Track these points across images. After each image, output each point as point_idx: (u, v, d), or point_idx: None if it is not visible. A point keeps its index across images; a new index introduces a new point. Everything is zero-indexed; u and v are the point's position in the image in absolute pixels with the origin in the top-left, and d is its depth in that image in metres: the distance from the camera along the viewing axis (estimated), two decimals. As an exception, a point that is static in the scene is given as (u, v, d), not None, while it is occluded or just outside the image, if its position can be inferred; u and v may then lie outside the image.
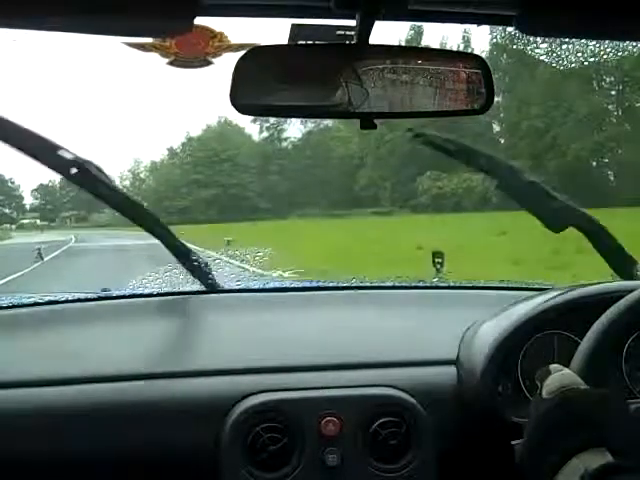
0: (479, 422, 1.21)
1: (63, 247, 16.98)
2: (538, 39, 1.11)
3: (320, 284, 1.76)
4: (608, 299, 1.12)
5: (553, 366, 0.95)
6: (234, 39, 1.32)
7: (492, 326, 1.27)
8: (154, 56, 1.31)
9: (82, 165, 1.33)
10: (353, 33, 0.87)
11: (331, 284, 1.73)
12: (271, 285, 1.73)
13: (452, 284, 1.76)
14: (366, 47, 0.87)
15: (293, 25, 0.90)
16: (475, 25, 0.95)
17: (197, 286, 1.62)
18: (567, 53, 1.10)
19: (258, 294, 1.64)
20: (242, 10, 0.90)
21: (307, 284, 1.75)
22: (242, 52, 0.88)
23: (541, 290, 1.44)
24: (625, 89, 27.67)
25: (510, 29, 0.87)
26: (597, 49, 1.11)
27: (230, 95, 0.86)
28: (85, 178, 1.35)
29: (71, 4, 0.73)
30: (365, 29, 0.84)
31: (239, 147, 34.24)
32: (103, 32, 0.81)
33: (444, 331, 1.38)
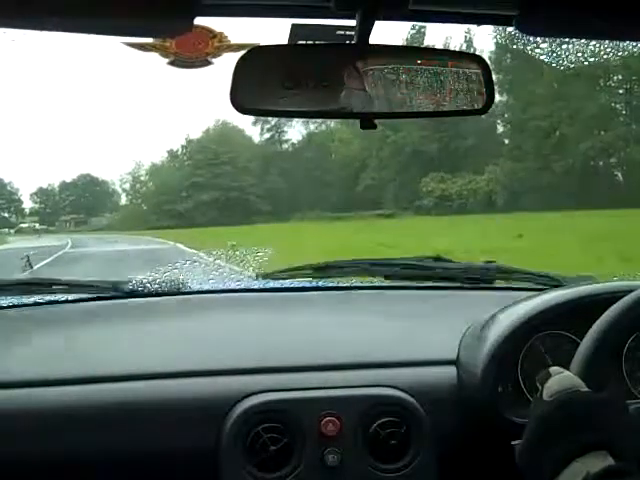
0: (479, 422, 1.21)
1: (57, 253, 15.93)
2: (538, 39, 1.11)
3: (320, 284, 1.76)
4: (608, 299, 1.12)
5: (553, 368, 0.95)
6: (234, 39, 1.32)
7: (492, 326, 1.27)
8: (154, 56, 1.31)
9: None
10: (353, 33, 0.87)
11: (331, 284, 1.73)
12: (271, 285, 1.73)
13: (452, 284, 1.76)
14: (366, 47, 0.87)
15: (293, 25, 0.90)
16: (475, 25, 0.95)
17: (197, 286, 1.62)
18: (568, 53, 1.10)
19: (258, 294, 1.64)
20: (242, 10, 0.90)
21: (307, 284, 1.75)
22: (242, 52, 0.88)
23: (541, 290, 1.44)
24: (633, 87, 26.95)
25: (510, 29, 0.87)
26: (597, 49, 1.11)
27: (230, 95, 0.85)
28: None
29: (71, 4, 0.73)
30: (365, 29, 0.84)
31: (239, 149, 33.90)
32: (103, 32, 0.81)
33: (444, 331, 1.38)
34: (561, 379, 0.93)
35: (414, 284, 1.77)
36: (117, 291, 1.57)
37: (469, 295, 1.67)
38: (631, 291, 1.11)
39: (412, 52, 0.94)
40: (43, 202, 33.91)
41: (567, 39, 1.06)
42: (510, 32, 0.92)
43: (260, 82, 0.87)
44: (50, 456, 1.16)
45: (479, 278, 1.66)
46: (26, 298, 1.51)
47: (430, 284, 1.75)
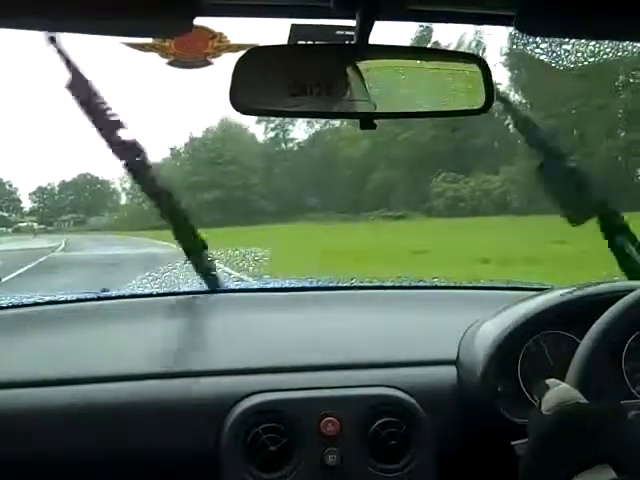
0: (479, 422, 1.21)
1: (40, 258, 13.54)
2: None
3: (320, 284, 1.76)
4: (608, 299, 1.12)
5: (550, 380, 0.94)
6: (234, 39, 1.32)
7: (492, 326, 1.27)
8: (154, 56, 1.31)
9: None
10: (353, 33, 0.87)
11: (331, 284, 1.73)
12: (271, 285, 1.73)
13: (452, 284, 1.76)
14: (366, 47, 0.87)
15: (293, 25, 0.90)
16: (475, 25, 0.96)
17: (197, 286, 1.62)
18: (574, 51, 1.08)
19: (258, 294, 1.64)
20: (242, 10, 0.90)
21: (307, 284, 1.75)
22: (242, 52, 0.88)
23: (541, 290, 1.44)
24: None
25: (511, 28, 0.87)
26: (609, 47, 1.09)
27: (230, 95, 0.85)
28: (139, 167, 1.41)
29: (71, 4, 0.73)
30: (365, 29, 0.84)
31: (243, 148, 33.17)
32: (103, 32, 0.81)
33: (444, 331, 1.38)
34: (559, 391, 0.92)
35: (414, 284, 1.77)
36: (117, 291, 1.57)
37: (469, 295, 1.67)
38: (631, 291, 1.11)
39: (412, 52, 0.94)
40: (42, 201, 33.63)
41: (567, 39, 1.06)
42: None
43: (260, 82, 0.87)
44: (50, 456, 1.16)
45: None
46: (26, 298, 1.51)
47: (430, 284, 1.75)
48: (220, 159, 30.98)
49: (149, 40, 1.31)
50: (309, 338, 1.39)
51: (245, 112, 0.89)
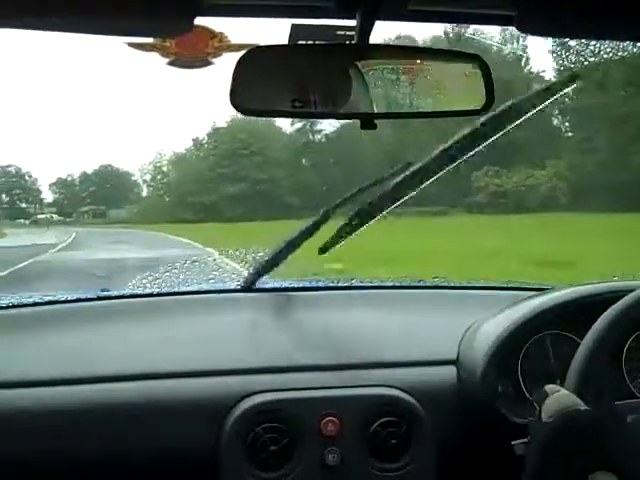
0: (479, 422, 1.21)
1: (24, 262, 10.69)
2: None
3: (320, 284, 1.76)
4: (608, 299, 1.12)
5: (550, 387, 0.94)
6: (234, 39, 1.32)
7: (492, 326, 1.27)
8: (155, 55, 1.31)
9: None
10: (353, 33, 0.87)
11: (331, 284, 1.73)
12: (270, 285, 1.73)
13: (452, 284, 1.76)
14: (366, 47, 0.87)
15: (293, 25, 0.90)
16: (475, 25, 0.95)
17: (196, 286, 1.63)
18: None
19: (258, 294, 1.64)
20: (242, 10, 0.89)
21: (307, 284, 1.75)
22: (242, 52, 0.88)
23: (541, 290, 1.44)
24: None
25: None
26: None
27: (230, 95, 0.85)
28: None
29: (71, 4, 0.73)
30: (365, 29, 0.84)
31: (269, 139, 30.50)
32: (103, 32, 0.81)
33: (444, 331, 1.38)
34: (559, 398, 0.92)
35: (414, 284, 1.77)
36: (117, 291, 1.57)
37: (469, 295, 1.67)
38: (631, 291, 1.11)
39: (412, 52, 0.94)
40: (62, 193, 32.23)
41: (567, 39, 1.06)
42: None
43: (260, 82, 0.87)
44: (50, 456, 1.16)
45: None
46: (26, 298, 1.51)
47: (430, 284, 1.75)
48: (245, 150, 28.78)
49: (150, 40, 1.31)
50: (309, 338, 1.39)
51: (245, 112, 0.89)
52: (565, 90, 1.25)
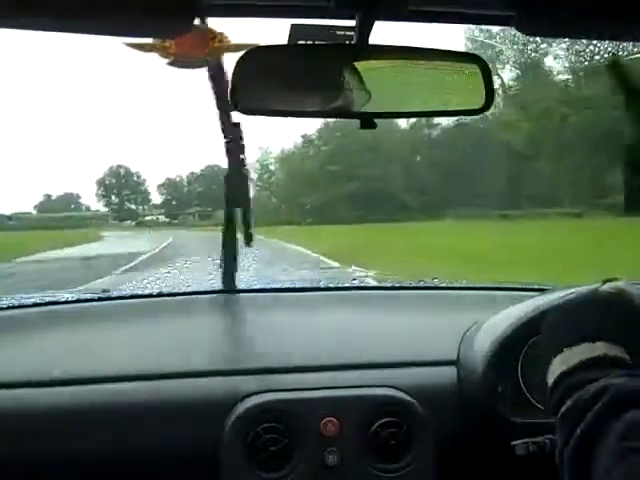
0: (479, 422, 1.21)
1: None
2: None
3: (320, 284, 1.76)
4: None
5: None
6: (234, 39, 1.32)
7: (492, 326, 1.27)
8: (154, 56, 1.31)
9: None
10: (353, 33, 0.87)
11: (331, 284, 1.73)
12: (271, 286, 1.73)
13: (452, 284, 1.76)
14: (366, 47, 0.87)
15: (293, 25, 0.90)
16: (475, 25, 0.96)
17: (196, 287, 1.63)
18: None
19: (258, 294, 1.64)
20: (242, 10, 0.90)
21: (307, 284, 1.75)
22: (242, 52, 0.88)
23: (541, 290, 1.44)
24: None
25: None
26: None
27: (230, 95, 0.86)
28: None
29: (71, 4, 0.73)
30: (365, 29, 0.84)
31: (382, 134, 25.37)
32: (103, 32, 0.81)
33: (444, 331, 1.38)
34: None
35: (414, 284, 1.77)
36: (117, 292, 1.57)
37: (469, 295, 1.67)
38: None
39: (412, 52, 0.94)
40: (170, 194, 31.09)
41: (566, 39, 1.06)
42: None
43: (260, 82, 0.87)
44: (50, 456, 1.16)
45: None
46: (26, 299, 1.51)
47: (430, 284, 1.75)
48: (357, 146, 25.35)
49: (149, 40, 1.31)
50: (309, 339, 1.39)
51: (245, 112, 0.89)
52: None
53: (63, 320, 1.44)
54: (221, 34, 1.31)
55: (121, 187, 30.23)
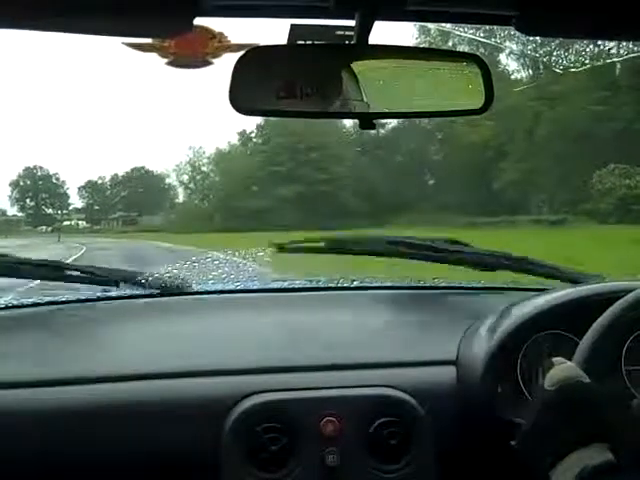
0: (479, 422, 1.21)
1: None
2: None
3: (320, 284, 1.76)
4: (609, 299, 1.12)
5: (557, 359, 0.95)
6: (234, 39, 1.32)
7: (492, 326, 1.27)
8: (154, 56, 1.31)
9: None
10: (353, 33, 0.87)
11: (331, 284, 1.73)
12: (271, 285, 1.73)
13: (452, 284, 1.76)
14: (365, 47, 0.87)
15: (292, 25, 0.90)
16: (475, 25, 0.96)
17: (196, 286, 1.62)
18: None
19: (258, 294, 1.64)
20: (242, 10, 0.90)
21: (307, 284, 1.75)
22: (242, 52, 0.88)
23: (541, 290, 1.44)
24: None
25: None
26: None
27: (229, 95, 0.86)
28: None
29: (71, 4, 0.73)
30: (364, 29, 0.84)
31: (329, 133, 24.54)
32: (103, 32, 0.81)
33: (444, 331, 1.38)
34: (564, 369, 0.92)
35: (414, 284, 1.77)
36: (117, 291, 1.57)
37: (469, 295, 1.67)
38: (631, 291, 1.11)
39: (411, 52, 0.95)
40: (92, 197, 28.87)
41: (566, 39, 1.06)
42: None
43: (259, 82, 0.87)
44: (49, 456, 1.16)
45: (490, 265, 1.62)
46: (25, 299, 1.51)
47: (430, 284, 1.75)
48: (301, 145, 23.13)
49: (149, 40, 1.31)
50: (309, 338, 1.39)
51: (245, 112, 0.89)
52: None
53: (63, 320, 1.44)
54: (221, 34, 1.31)
55: (37, 190, 27.80)
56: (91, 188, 29.01)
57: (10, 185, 27.76)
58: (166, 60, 1.34)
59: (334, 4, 0.79)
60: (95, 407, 1.18)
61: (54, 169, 29.37)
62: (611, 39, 1.09)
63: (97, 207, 28.18)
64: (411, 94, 0.91)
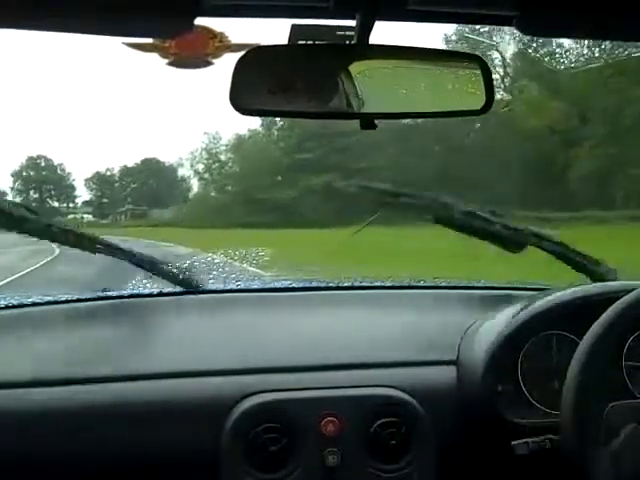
0: (479, 422, 1.21)
1: None
2: None
3: (320, 284, 1.76)
4: (608, 299, 1.12)
5: None
6: (234, 39, 1.32)
7: (492, 326, 1.27)
8: (155, 56, 1.31)
9: None
10: (353, 33, 0.87)
11: (331, 284, 1.73)
12: (271, 285, 1.73)
13: (452, 284, 1.76)
14: (366, 47, 0.87)
15: (293, 25, 0.90)
16: (475, 25, 0.95)
17: (196, 286, 1.62)
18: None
19: (258, 294, 1.64)
20: (242, 10, 0.89)
21: (307, 284, 1.75)
22: (242, 52, 0.88)
23: (541, 290, 1.44)
24: None
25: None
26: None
27: (230, 95, 0.85)
28: None
29: (71, 4, 0.73)
30: (365, 29, 0.84)
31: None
32: (103, 32, 0.81)
33: (444, 331, 1.38)
34: None
35: (414, 284, 1.77)
36: (117, 291, 1.57)
37: (469, 295, 1.67)
38: (630, 291, 1.11)
39: (412, 52, 0.94)
40: (100, 189, 26.78)
41: (567, 39, 1.06)
42: None
43: (260, 82, 0.87)
44: (49, 456, 1.16)
45: (511, 238, 1.54)
46: (25, 299, 1.51)
47: (430, 284, 1.75)
48: (331, 129, 18.91)
49: (149, 40, 1.31)
50: (309, 338, 1.39)
51: (245, 112, 0.89)
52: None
53: (63, 320, 1.44)
54: (221, 34, 1.31)
55: (42, 181, 26.14)
56: (99, 180, 27.06)
57: (12, 176, 25.91)
58: (167, 60, 1.34)
59: (334, 4, 0.79)
60: (95, 407, 1.18)
61: (59, 159, 27.79)
62: (612, 39, 1.09)
63: (106, 200, 26.37)
64: (412, 94, 0.91)
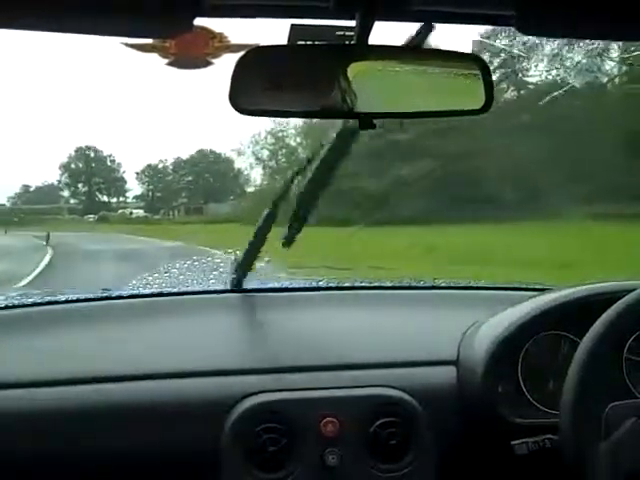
0: (479, 422, 1.21)
1: None
2: None
3: (320, 284, 1.76)
4: (608, 299, 1.12)
5: None
6: (234, 39, 1.32)
7: (492, 326, 1.27)
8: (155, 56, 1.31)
9: None
10: (353, 33, 0.87)
11: (331, 284, 1.73)
12: (270, 285, 1.73)
13: (452, 284, 1.76)
14: (365, 47, 0.87)
15: (292, 25, 0.90)
16: (475, 25, 0.95)
17: (197, 286, 1.63)
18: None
19: (258, 294, 1.64)
20: (242, 10, 0.89)
21: (307, 284, 1.75)
22: (242, 52, 0.88)
23: (541, 290, 1.44)
24: None
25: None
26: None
27: (229, 95, 0.85)
28: None
29: (71, 4, 0.73)
30: (364, 29, 0.84)
31: None
32: (103, 32, 0.81)
33: (444, 331, 1.38)
34: None
35: (414, 284, 1.77)
36: (117, 291, 1.57)
37: (469, 295, 1.67)
38: (631, 291, 1.11)
39: (411, 52, 0.94)
40: (152, 183, 25.06)
41: (567, 39, 1.06)
42: None
43: (260, 82, 0.87)
44: (50, 456, 1.16)
45: None
46: (25, 298, 1.51)
47: (430, 284, 1.75)
48: None
49: (149, 40, 1.31)
50: (309, 338, 1.39)
51: (245, 112, 0.89)
52: None
53: (63, 320, 1.44)
54: (221, 34, 1.31)
55: (91, 173, 24.55)
56: (151, 172, 25.17)
57: (60, 168, 24.23)
58: (167, 60, 1.34)
59: (334, 4, 0.79)
60: (95, 407, 1.18)
61: (109, 150, 25.82)
62: (612, 39, 1.09)
63: (158, 194, 24.62)
64: (411, 94, 0.91)
